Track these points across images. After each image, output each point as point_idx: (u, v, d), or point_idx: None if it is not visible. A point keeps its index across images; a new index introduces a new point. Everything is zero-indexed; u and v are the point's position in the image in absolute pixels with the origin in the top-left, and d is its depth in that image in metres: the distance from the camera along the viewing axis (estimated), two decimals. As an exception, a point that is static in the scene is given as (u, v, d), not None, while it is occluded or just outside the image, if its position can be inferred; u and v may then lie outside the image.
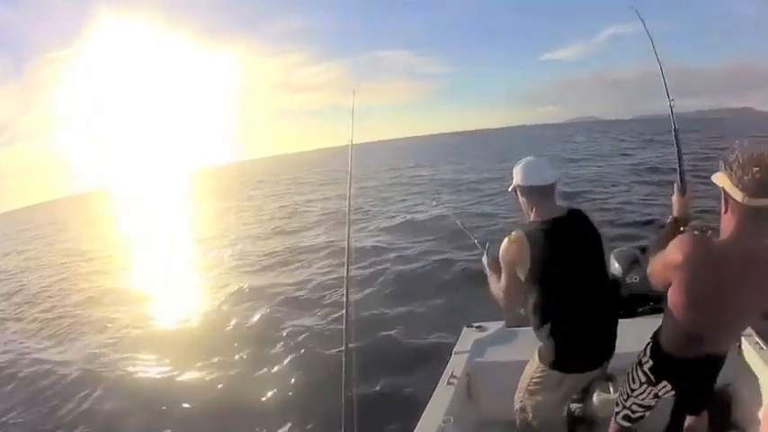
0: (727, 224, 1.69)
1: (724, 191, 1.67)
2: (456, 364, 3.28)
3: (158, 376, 6.35)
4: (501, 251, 2.30)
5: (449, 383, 3.07)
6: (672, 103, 2.74)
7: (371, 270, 9.29)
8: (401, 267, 9.41)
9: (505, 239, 2.28)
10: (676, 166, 2.44)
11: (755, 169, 1.56)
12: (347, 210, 3.01)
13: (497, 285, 2.45)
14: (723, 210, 1.71)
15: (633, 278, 3.40)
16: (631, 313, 3.21)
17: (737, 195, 1.60)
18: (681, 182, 2.30)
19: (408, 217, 14.86)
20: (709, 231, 1.87)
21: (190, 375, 6.15)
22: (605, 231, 2.39)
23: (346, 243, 2.81)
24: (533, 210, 2.32)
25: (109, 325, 8.80)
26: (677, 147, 2.54)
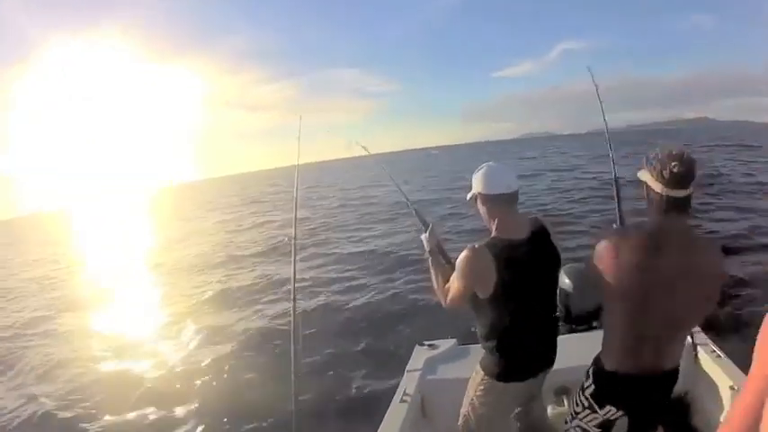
0: (652, 212, 1.85)
1: (646, 185, 1.84)
2: (409, 383, 3.30)
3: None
4: (461, 261, 2.17)
5: (402, 401, 3.09)
6: (608, 137, 3.30)
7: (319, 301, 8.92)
8: (348, 297, 9.09)
9: (468, 251, 2.15)
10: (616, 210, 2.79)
11: (674, 164, 1.73)
12: (293, 238, 2.86)
13: (441, 283, 2.40)
14: (647, 204, 1.87)
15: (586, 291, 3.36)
16: (586, 327, 3.11)
17: (657, 188, 1.78)
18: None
19: (354, 247, 13.66)
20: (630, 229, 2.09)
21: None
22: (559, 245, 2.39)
23: (292, 274, 2.73)
24: (496, 221, 2.22)
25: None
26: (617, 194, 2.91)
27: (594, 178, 21.00)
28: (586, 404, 2.08)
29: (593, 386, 2.05)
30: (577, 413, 2.13)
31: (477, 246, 2.15)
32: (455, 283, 2.26)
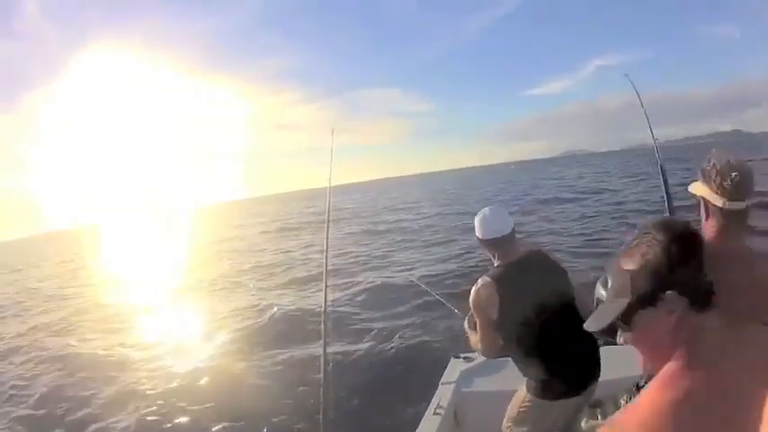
0: (710, 230, 1.72)
1: (704, 199, 1.72)
2: (443, 395, 3.30)
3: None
4: (471, 299, 2.42)
5: (435, 413, 3.08)
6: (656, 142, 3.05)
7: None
8: (382, 307, 9.16)
9: (473, 288, 2.42)
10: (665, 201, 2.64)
11: (734, 174, 1.62)
12: (324, 268, 2.86)
13: (475, 338, 2.57)
14: (704, 217, 1.75)
15: None
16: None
17: (718, 201, 1.66)
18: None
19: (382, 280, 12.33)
20: None
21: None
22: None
23: (323, 307, 2.78)
24: (496, 256, 2.48)
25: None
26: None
27: (641, 201, 19.81)
28: None
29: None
30: None
31: (479, 281, 2.42)
32: (478, 322, 2.49)
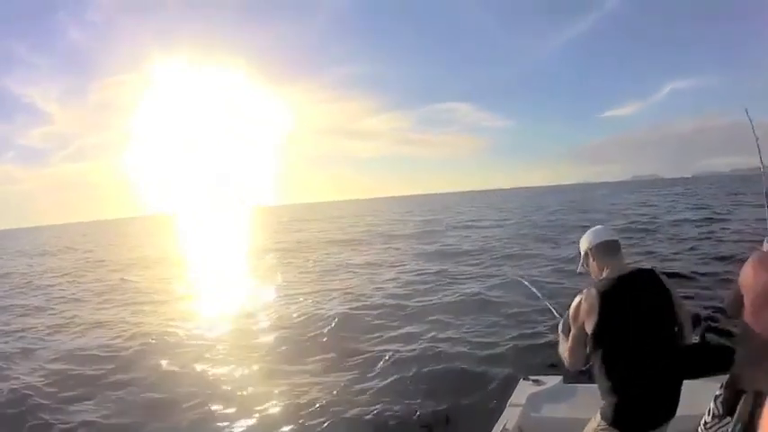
0: None
1: None
2: (509, 417, 3.19)
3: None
4: (572, 307, 2.37)
5: None
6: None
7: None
8: (453, 320, 9.05)
9: (577, 296, 2.36)
10: None
11: None
12: None
13: (565, 345, 2.49)
14: None
15: (693, 338, 3.24)
16: (693, 374, 3.10)
17: None
18: None
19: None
20: None
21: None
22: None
23: None
24: (605, 270, 2.40)
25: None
26: None
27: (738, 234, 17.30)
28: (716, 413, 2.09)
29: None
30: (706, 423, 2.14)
31: (585, 289, 2.35)
32: (571, 334, 2.41)
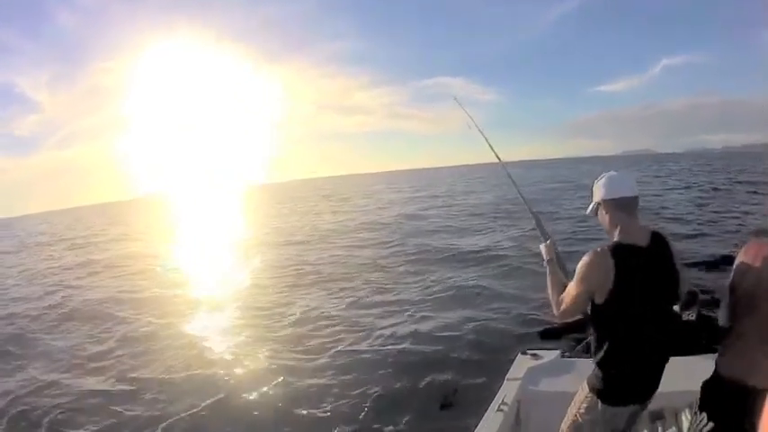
0: None
1: None
2: (508, 391, 3.23)
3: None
4: (582, 265, 2.15)
5: (499, 410, 3.01)
6: None
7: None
8: (454, 296, 9.20)
9: (590, 254, 2.14)
10: None
11: None
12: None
13: (556, 293, 2.37)
14: None
15: (689, 315, 3.22)
16: (684, 351, 3.09)
17: None
18: None
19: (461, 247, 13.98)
20: None
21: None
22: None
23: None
24: (618, 228, 2.19)
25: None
26: None
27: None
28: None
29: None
30: None
31: (599, 249, 2.13)
32: (572, 289, 2.24)
